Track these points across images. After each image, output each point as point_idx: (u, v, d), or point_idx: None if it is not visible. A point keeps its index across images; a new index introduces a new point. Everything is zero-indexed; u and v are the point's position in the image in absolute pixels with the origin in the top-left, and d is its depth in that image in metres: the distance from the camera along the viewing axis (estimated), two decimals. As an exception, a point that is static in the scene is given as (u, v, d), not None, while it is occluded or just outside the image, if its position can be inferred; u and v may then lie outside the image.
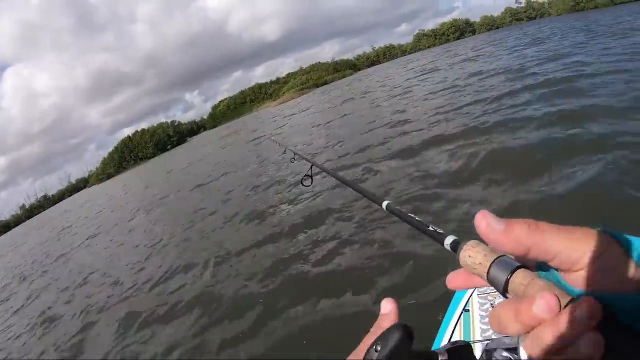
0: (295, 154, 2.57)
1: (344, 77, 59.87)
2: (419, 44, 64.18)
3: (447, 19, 65.80)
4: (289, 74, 71.47)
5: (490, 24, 58.46)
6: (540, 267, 0.37)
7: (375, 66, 63.40)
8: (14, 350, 5.17)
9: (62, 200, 62.00)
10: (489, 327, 1.59)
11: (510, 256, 0.38)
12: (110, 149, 64.03)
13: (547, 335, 0.30)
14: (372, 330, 0.43)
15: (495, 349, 1.21)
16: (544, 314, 0.31)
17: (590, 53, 9.85)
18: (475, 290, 1.82)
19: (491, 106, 7.29)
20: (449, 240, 0.62)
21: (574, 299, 0.31)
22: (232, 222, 6.06)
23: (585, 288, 0.34)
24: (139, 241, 7.97)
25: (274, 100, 62.56)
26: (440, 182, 4.56)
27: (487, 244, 0.42)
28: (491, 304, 1.77)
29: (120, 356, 3.67)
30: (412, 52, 62.81)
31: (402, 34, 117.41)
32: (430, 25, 69.96)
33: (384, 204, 1.01)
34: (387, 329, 0.46)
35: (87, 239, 11.58)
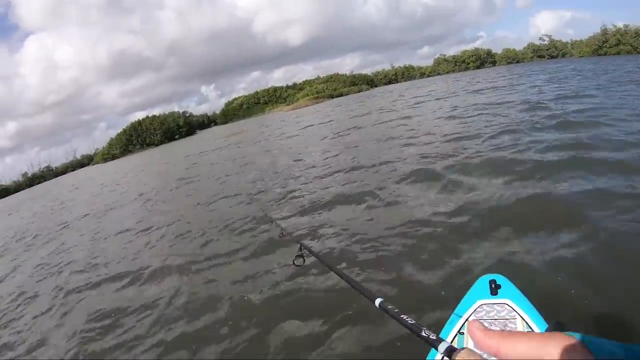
0: (282, 231, 2.45)
1: (359, 91, 60.23)
2: (438, 68, 64.38)
3: (469, 47, 66.06)
4: (306, 81, 71.85)
5: (512, 58, 58.59)
6: None
7: (393, 84, 63.78)
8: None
9: (64, 173, 62.26)
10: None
11: None
12: (120, 130, 64.22)
13: None
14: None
15: None
16: None
17: (610, 97, 9.76)
18: (473, 313, 1.85)
19: (501, 140, 7.11)
20: (443, 346, 0.65)
21: None
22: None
23: None
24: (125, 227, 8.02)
25: (287, 104, 62.84)
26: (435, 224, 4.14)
27: (479, 352, 0.50)
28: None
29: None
30: (430, 76, 63.05)
31: (423, 57, 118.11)
32: (452, 51, 70.20)
33: (377, 301, 1.00)
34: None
35: (83, 216, 11.56)
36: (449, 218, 4.18)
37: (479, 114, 10.66)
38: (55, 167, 65.67)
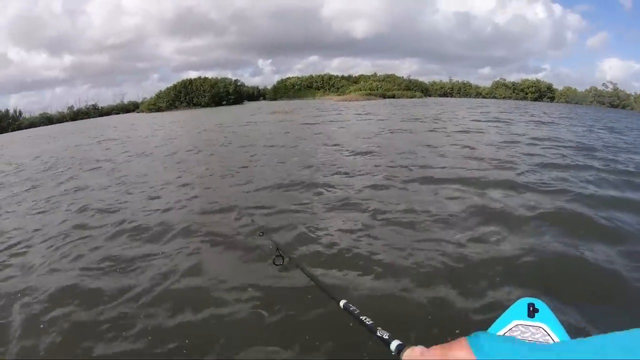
0: (262, 232, 2.72)
1: (412, 97, 60.56)
2: (495, 91, 63.60)
3: (530, 76, 64.77)
4: (361, 75, 72.43)
5: (571, 97, 57.24)
6: None
7: (447, 97, 63.74)
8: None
9: (108, 114, 63.77)
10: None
11: None
12: (171, 84, 65.64)
13: None
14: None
15: None
16: None
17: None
18: (508, 332, 1.91)
19: (559, 175, 7.45)
20: (394, 344, 0.89)
21: None
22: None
23: None
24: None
25: (338, 94, 63.69)
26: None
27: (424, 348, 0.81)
28: None
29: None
30: (486, 97, 62.38)
31: (482, 77, 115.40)
32: (513, 77, 68.48)
33: (342, 302, 1.19)
34: None
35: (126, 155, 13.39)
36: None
37: (539, 147, 11.42)
38: (101, 107, 67.05)
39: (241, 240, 4.81)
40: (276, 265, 1.94)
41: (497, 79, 66.65)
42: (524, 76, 66.95)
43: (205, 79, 65.37)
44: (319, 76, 74.18)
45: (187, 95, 63.00)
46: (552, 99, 58.88)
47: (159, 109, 59.85)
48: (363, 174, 8.12)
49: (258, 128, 21.09)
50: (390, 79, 67.83)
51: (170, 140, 17.93)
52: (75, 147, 18.31)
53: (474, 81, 69.62)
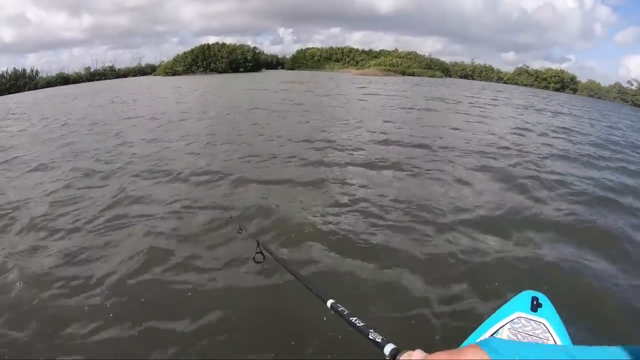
0: (240, 228, 2.53)
1: (433, 76, 59.71)
2: (517, 77, 62.24)
3: (555, 66, 63.19)
4: (382, 50, 71.08)
5: (594, 91, 56.04)
6: None
7: (468, 80, 62.90)
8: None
9: (125, 77, 63.42)
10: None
11: None
12: (189, 49, 64.69)
13: None
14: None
15: None
16: None
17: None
18: (509, 323, 1.91)
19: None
20: (388, 348, 0.84)
21: None
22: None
23: None
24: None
25: (357, 68, 62.93)
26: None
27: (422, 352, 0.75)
28: None
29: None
30: (507, 83, 61.23)
31: (506, 62, 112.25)
32: (536, 65, 66.75)
33: (329, 302, 1.12)
34: None
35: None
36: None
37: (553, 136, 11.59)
38: (118, 69, 66.29)
39: (218, 236, 4.38)
40: (257, 262, 1.85)
41: (521, 65, 65.17)
42: (548, 65, 65.35)
43: (223, 44, 64.59)
44: (339, 48, 73.07)
45: (204, 61, 62.45)
46: (574, 90, 57.63)
47: (175, 73, 59.57)
48: (357, 155, 8.04)
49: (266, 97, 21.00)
50: (411, 56, 66.49)
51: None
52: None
53: (496, 65, 67.79)
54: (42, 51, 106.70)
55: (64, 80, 57.04)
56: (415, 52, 68.55)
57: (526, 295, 2.05)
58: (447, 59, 70.77)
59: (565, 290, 3.36)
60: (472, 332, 1.99)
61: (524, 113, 18.21)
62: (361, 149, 8.60)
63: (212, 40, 66.10)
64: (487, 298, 3.23)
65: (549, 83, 59.15)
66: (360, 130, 10.79)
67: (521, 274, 3.67)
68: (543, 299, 2.02)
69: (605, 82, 58.02)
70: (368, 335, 0.87)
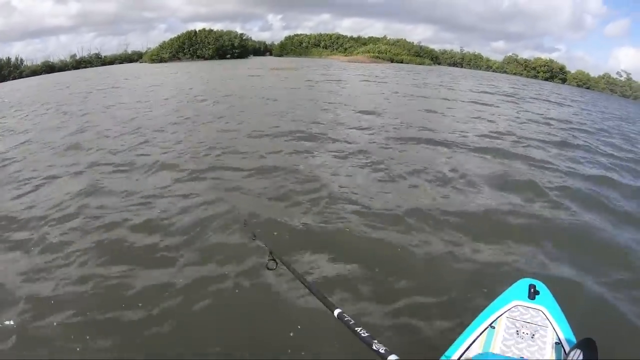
0: (254, 235, 2.47)
1: (421, 63, 59.04)
2: (506, 66, 61.94)
3: (544, 55, 62.91)
4: (371, 37, 70.04)
5: (583, 81, 55.97)
6: None
7: (457, 68, 62.13)
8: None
9: (112, 64, 62.48)
10: (509, 348, 1.72)
11: None
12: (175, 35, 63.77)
13: None
14: None
15: None
16: None
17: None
18: (507, 312, 1.92)
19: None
20: (391, 359, 0.80)
21: None
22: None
23: None
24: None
25: (345, 55, 61.99)
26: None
27: None
28: (517, 331, 1.82)
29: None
30: (496, 71, 60.88)
31: (495, 50, 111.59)
32: (526, 55, 66.44)
33: (336, 311, 1.11)
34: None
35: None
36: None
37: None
38: (104, 56, 65.26)
39: (230, 242, 4.12)
40: (269, 270, 1.87)
41: (510, 54, 64.71)
42: (538, 54, 64.82)
43: (210, 31, 63.49)
44: (327, 35, 71.70)
45: (190, 47, 61.58)
46: (563, 80, 57.47)
47: (161, 60, 58.74)
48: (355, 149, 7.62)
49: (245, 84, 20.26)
50: (400, 43, 65.54)
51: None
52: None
53: (486, 54, 67.26)
54: (28, 39, 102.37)
55: (49, 68, 56.23)
56: (404, 39, 67.70)
57: (523, 283, 2.06)
58: (436, 46, 70.00)
59: (560, 278, 3.42)
60: (470, 322, 1.95)
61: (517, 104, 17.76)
62: (344, 144, 7.96)
63: (200, 26, 64.45)
64: (484, 291, 3.21)
65: (538, 72, 58.87)
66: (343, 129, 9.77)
67: (519, 266, 3.70)
68: (540, 286, 2.03)
69: (595, 72, 58.00)
70: (372, 345, 0.87)
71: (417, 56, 62.67)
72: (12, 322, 2.96)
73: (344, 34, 72.41)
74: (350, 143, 7.89)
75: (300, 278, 1.57)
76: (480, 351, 1.73)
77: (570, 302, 2.61)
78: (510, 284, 2.09)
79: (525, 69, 60.19)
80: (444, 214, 4.83)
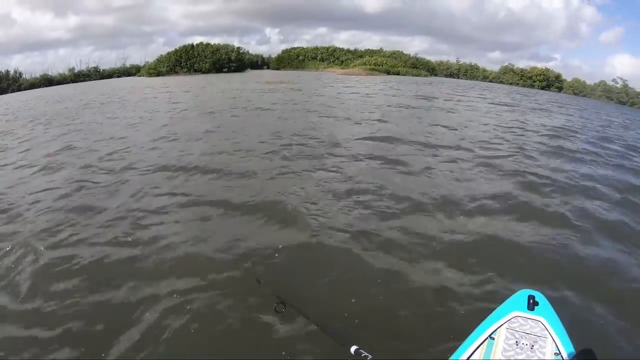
0: (258, 280, 2.49)
1: (418, 75, 59.16)
2: (503, 76, 62.20)
3: (540, 64, 63.19)
4: (367, 49, 70.33)
5: (579, 89, 56.09)
6: None
7: (453, 79, 62.42)
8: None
9: (110, 77, 62.39)
10: (509, 359, 1.72)
11: None
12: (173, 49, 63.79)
13: None
14: None
15: None
16: None
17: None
18: (507, 323, 1.90)
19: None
20: None
21: None
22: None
23: None
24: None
25: (342, 68, 62.10)
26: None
27: None
28: (516, 342, 1.81)
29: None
30: (492, 82, 61.05)
31: (492, 61, 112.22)
32: (522, 64, 66.72)
33: (352, 348, 1.15)
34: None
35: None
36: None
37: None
38: (103, 70, 65.28)
39: (234, 288, 3.61)
40: (278, 312, 1.86)
41: (506, 64, 64.99)
42: (534, 64, 64.90)
43: (207, 44, 63.70)
44: (324, 48, 72.07)
45: (188, 61, 61.59)
46: (560, 89, 57.63)
47: (159, 74, 58.62)
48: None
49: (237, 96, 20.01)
50: (396, 55, 65.88)
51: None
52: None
53: (482, 64, 67.55)
54: (27, 52, 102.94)
55: (47, 81, 56.13)
56: (401, 51, 68.08)
57: (522, 294, 2.04)
58: (433, 58, 70.31)
59: (560, 289, 3.35)
60: (469, 333, 1.92)
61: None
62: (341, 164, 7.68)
63: (198, 40, 64.78)
64: (483, 304, 3.06)
65: (534, 81, 59.04)
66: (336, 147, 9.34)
67: (520, 272, 3.70)
68: (539, 297, 2.01)
69: (591, 80, 58.17)
70: None
71: (413, 68, 62.89)
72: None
73: (341, 46, 72.91)
74: (340, 172, 7.17)
75: (310, 318, 1.61)
76: None
77: (569, 312, 2.62)
78: (510, 295, 2.09)
79: (521, 79, 60.41)
80: (447, 235, 4.67)
